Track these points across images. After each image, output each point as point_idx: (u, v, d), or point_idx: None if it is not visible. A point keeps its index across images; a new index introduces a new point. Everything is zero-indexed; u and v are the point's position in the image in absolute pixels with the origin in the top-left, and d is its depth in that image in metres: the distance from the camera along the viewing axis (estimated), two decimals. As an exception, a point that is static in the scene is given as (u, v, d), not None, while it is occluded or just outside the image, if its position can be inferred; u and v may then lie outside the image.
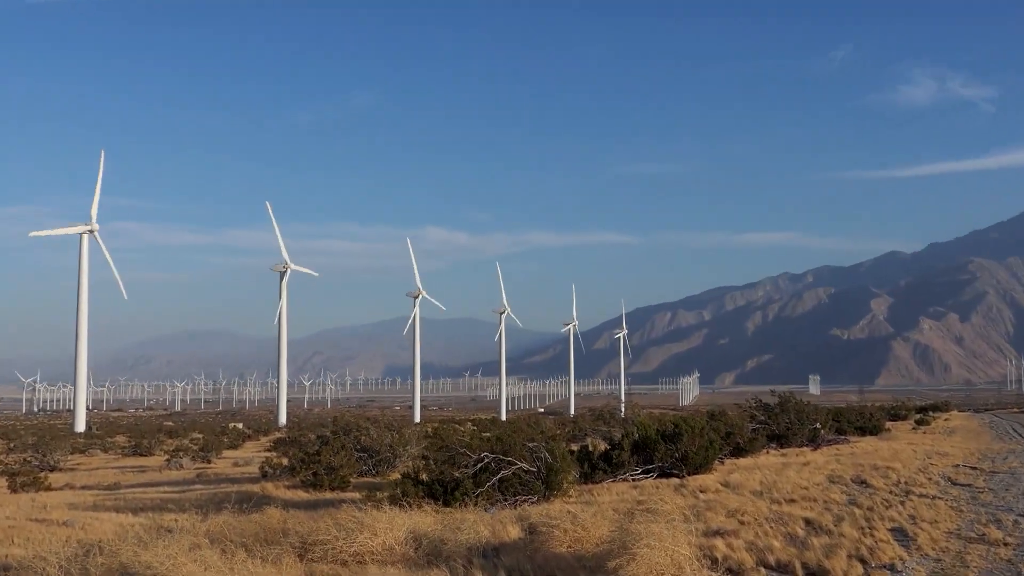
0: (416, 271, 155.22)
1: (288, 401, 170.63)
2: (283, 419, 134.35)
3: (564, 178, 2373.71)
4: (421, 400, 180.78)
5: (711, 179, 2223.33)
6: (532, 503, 20.60)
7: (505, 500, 20.60)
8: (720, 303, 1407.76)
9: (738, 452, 34.94)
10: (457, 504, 19.84)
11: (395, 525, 14.36)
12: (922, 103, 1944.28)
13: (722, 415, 38.45)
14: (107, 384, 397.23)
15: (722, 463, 31.54)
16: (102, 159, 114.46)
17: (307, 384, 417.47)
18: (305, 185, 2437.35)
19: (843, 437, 46.37)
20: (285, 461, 35.32)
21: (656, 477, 26.98)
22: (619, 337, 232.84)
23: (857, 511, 19.04)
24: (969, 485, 24.68)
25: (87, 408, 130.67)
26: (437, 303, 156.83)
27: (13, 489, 36.81)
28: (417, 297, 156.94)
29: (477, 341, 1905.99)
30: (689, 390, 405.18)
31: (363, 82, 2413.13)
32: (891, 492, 22.84)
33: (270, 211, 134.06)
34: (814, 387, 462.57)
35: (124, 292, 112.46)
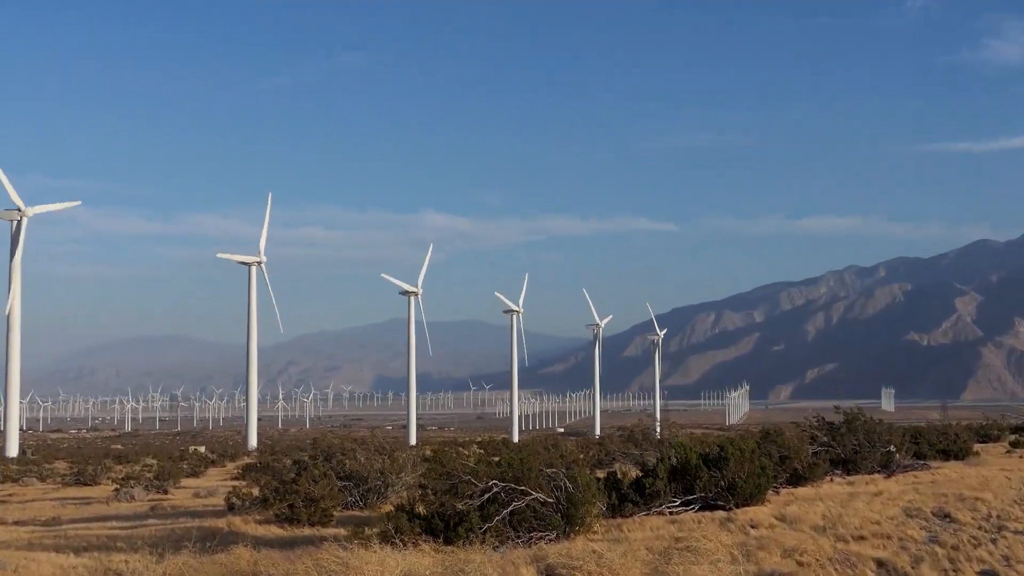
0: (424, 270, 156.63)
1: (259, 420, 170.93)
2: (253, 441, 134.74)
3: (589, 153, 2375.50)
4: (418, 418, 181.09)
5: (763, 154, 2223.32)
6: (550, 540, 20.67)
7: (517, 537, 20.66)
8: (774, 302, 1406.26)
9: (796, 480, 34.90)
10: (460, 542, 19.90)
11: (387, 567, 14.40)
12: (1017, 62, 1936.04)
13: (777, 436, 38.41)
14: (45, 400, 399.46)
15: (777, 493, 31.49)
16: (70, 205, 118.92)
17: (282, 400, 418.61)
18: (279, 162, 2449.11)
19: (922, 462, 46.27)
20: (256, 491, 35.48)
21: (698, 510, 26.98)
22: (654, 342, 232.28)
23: (939, 550, 18.99)
24: (1074, 519, 24.57)
25: (21, 429, 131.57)
26: (427, 336, 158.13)
27: (-66, 524, 37.10)
28: (413, 295, 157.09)
29: (483, 348, 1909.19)
30: (737, 406, 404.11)
31: (348, 41, 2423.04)
32: (980, 528, 22.77)
33: (268, 204, 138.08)
34: (887, 402, 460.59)
35: (7, 307, 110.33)
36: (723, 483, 27.24)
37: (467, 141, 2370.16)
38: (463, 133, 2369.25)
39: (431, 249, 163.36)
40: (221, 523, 30.04)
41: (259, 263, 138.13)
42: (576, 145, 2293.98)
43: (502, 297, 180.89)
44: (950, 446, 55.28)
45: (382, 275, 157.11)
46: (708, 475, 27.25)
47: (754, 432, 48.61)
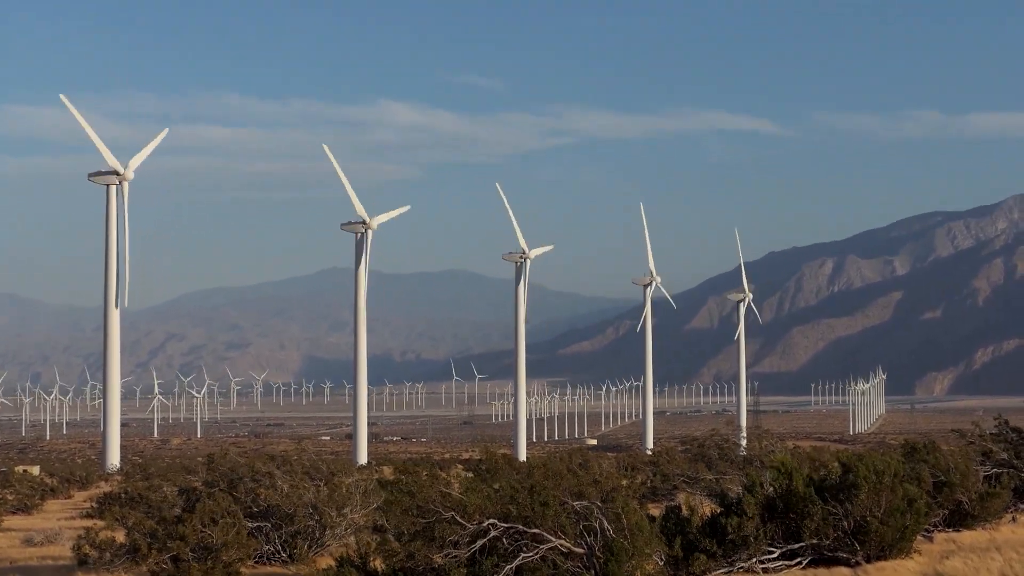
0: (348, 188, 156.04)
1: (124, 426, 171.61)
2: (115, 459, 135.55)
3: (633, 9, 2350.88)
4: (371, 424, 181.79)
5: (913, 12, 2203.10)
6: (578, 613, 20.83)
7: (528, 608, 20.74)
8: (926, 243, 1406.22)
9: (960, 518, 35.00)
10: (440, 615, 20.05)
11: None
12: None
13: (930, 451, 38.43)
14: None
15: (930, 539, 31.59)
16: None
17: (159, 394, 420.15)
18: (154, 27, 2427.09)
19: None
20: (121, 536, 35.59)
21: (807, 565, 27.06)
22: (738, 306, 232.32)
23: None
24: None
25: None
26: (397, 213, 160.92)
27: None
28: (364, 233, 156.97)
29: (473, 314, 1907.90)
30: (868, 405, 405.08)
31: None
32: None
33: (69, 106, 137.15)
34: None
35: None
36: (847, 524, 27.23)
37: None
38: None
39: (327, 151, 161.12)
40: (68, 586, 30.15)
41: (121, 180, 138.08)
42: (619, 2, 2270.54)
43: (512, 286, 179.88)
44: None
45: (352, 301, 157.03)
46: (823, 512, 27.22)
47: (894, 445, 48.63)
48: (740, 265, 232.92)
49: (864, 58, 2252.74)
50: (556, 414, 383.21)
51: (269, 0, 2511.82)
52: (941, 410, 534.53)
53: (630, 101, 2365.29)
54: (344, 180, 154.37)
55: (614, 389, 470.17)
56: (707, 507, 30.74)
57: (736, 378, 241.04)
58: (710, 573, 25.91)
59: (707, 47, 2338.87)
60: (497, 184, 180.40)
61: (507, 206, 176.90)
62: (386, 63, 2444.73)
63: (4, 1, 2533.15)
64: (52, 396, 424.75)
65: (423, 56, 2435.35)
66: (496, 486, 22.93)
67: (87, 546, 35.98)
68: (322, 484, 36.00)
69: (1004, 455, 41.78)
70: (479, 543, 21.58)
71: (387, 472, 42.59)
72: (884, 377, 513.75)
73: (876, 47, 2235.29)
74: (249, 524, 32.67)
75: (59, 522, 61.00)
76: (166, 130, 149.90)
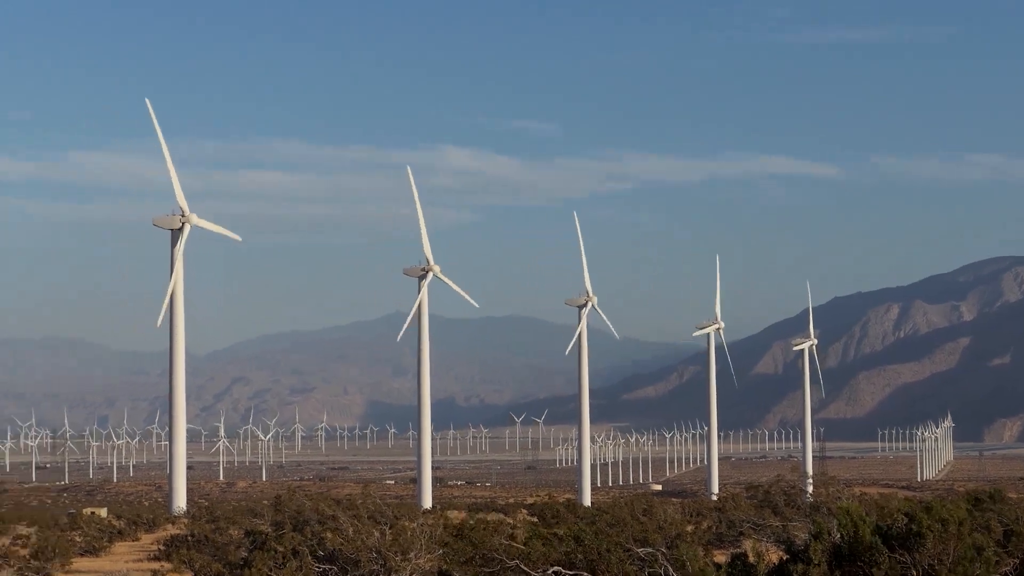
0: (423, 226, 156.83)
1: (190, 469, 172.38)
2: (182, 501, 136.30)
3: (692, 53, 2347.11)
4: (435, 468, 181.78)
5: (978, 50, 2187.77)
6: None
7: (593, 654, 20.69)
8: (994, 287, 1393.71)
9: (1030, 568, 34.65)
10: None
11: None
12: None
13: (999, 499, 38.11)
14: None
15: (999, 589, 31.27)
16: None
17: (224, 438, 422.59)
18: (215, 74, 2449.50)
19: None
20: (187, 579, 35.85)
21: (875, 614, 26.83)
22: (803, 353, 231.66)
23: None
24: None
25: None
26: (463, 293, 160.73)
27: None
28: (425, 277, 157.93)
29: (535, 359, 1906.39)
30: (935, 452, 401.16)
31: None
32: None
33: (151, 113, 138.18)
34: None
35: None
36: (915, 573, 27.03)
37: (506, 45, 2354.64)
38: (501, 32, 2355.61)
39: (410, 173, 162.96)
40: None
41: (183, 223, 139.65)
42: (670, 41, 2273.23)
43: (574, 333, 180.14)
44: None
45: (398, 339, 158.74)
46: (891, 560, 27.04)
47: (962, 493, 48.25)
48: (808, 310, 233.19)
49: (924, 102, 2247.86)
50: (620, 459, 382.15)
51: (328, 48, 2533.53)
52: (1011, 457, 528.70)
53: (690, 146, 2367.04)
54: (422, 223, 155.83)
55: (678, 435, 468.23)
56: (773, 554, 30.62)
57: (801, 424, 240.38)
58: (776, 621, 25.78)
59: (766, 92, 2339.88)
60: (575, 215, 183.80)
61: (583, 252, 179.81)
62: (444, 109, 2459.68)
63: (65, 51, 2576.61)
64: (119, 439, 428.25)
65: (481, 102, 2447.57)
66: (559, 532, 22.95)
67: (154, 589, 36.27)
68: (387, 528, 36.11)
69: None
70: (544, 589, 21.59)
71: (452, 516, 42.70)
72: (952, 424, 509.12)
73: (936, 91, 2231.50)
74: (316, 567, 32.80)
75: (127, 564, 61.38)
76: None
